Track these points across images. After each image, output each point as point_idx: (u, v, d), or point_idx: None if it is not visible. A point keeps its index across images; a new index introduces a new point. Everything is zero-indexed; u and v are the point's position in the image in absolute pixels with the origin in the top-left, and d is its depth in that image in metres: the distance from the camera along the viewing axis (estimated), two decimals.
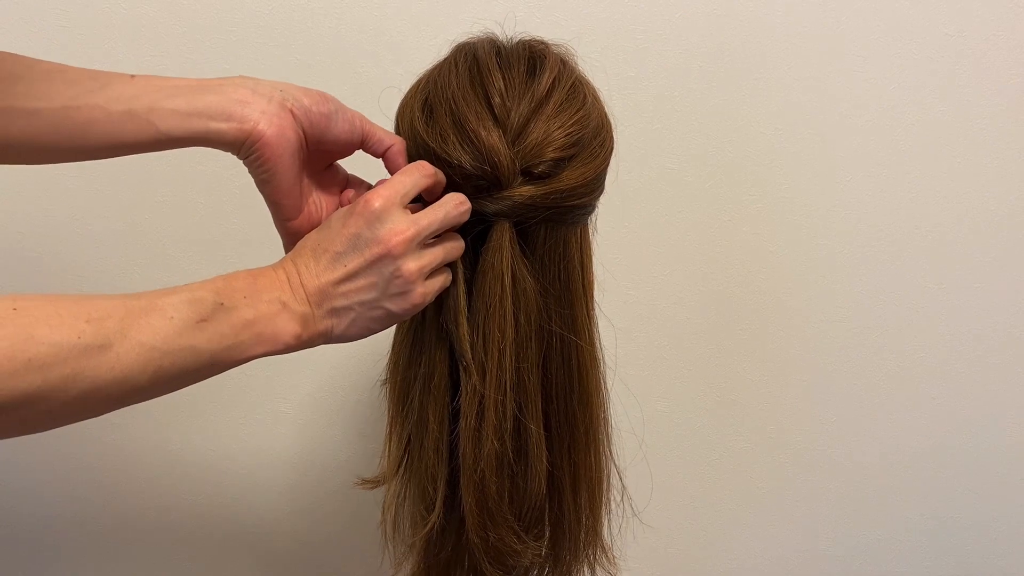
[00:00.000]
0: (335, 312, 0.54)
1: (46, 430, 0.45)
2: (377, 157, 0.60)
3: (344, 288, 0.54)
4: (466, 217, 0.56)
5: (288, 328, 0.52)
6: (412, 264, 0.54)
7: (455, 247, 0.57)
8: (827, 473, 1.05)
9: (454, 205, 0.56)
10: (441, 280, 0.57)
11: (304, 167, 0.58)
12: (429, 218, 0.55)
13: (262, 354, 0.52)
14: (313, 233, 0.56)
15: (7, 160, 0.58)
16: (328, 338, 0.55)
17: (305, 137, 0.57)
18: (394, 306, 0.55)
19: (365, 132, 0.59)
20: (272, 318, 0.51)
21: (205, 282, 0.51)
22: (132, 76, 0.56)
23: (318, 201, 0.60)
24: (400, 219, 0.54)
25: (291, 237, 0.59)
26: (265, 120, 0.54)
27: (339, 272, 0.53)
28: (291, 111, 0.55)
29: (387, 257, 0.53)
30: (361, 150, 0.60)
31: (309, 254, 0.54)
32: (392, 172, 0.59)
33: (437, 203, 0.56)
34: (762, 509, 1.06)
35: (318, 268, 0.54)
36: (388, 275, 0.54)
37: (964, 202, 0.98)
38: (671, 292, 0.98)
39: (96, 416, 0.47)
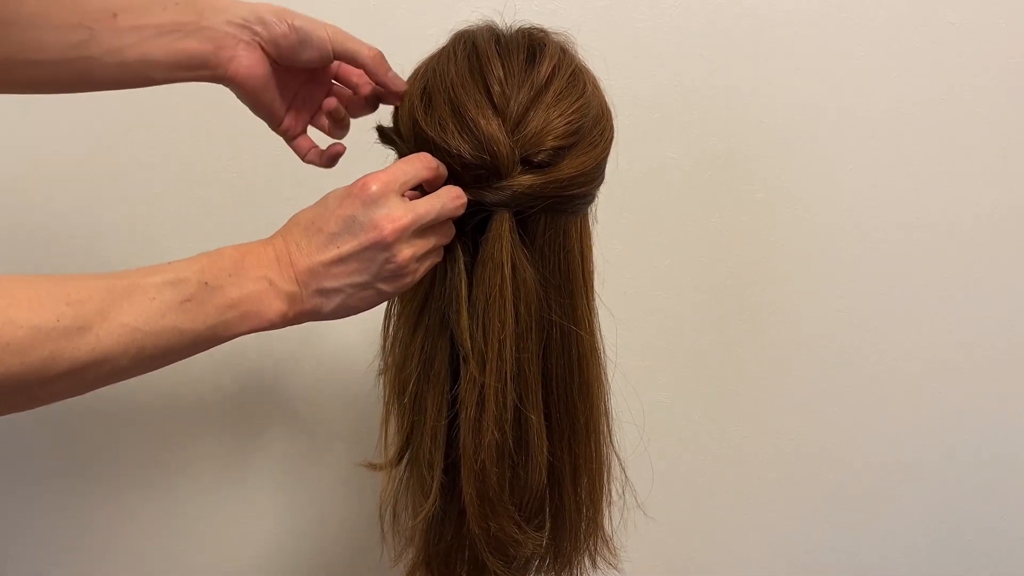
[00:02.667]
0: (324, 292, 0.54)
1: (26, 409, 0.46)
2: (359, 69, 0.62)
3: (336, 270, 0.54)
4: (461, 211, 0.56)
5: (274, 306, 0.52)
6: (406, 251, 0.54)
7: (447, 232, 0.57)
8: (828, 464, 1.05)
9: (451, 198, 0.56)
10: (431, 259, 0.57)
11: (281, 85, 0.62)
12: (426, 207, 0.54)
13: (247, 331, 0.52)
14: (307, 209, 0.56)
15: (12, 91, 0.62)
16: (315, 317, 0.55)
17: (277, 63, 0.61)
18: (385, 287, 0.55)
19: (338, 51, 0.61)
20: (258, 297, 0.51)
21: (190, 260, 0.50)
22: (114, 16, 0.58)
23: (302, 105, 0.65)
24: (397, 205, 0.54)
25: (286, 137, 0.65)
26: (236, 62, 0.60)
27: (331, 253, 0.53)
28: (260, 47, 0.60)
29: (381, 243, 0.53)
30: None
31: (301, 232, 0.54)
32: (377, 81, 0.61)
33: (434, 193, 0.55)
34: (763, 500, 1.06)
35: (310, 247, 0.53)
36: (381, 260, 0.54)
37: (967, 197, 0.98)
38: (671, 282, 0.98)
39: (79, 395, 0.47)
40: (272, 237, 0.55)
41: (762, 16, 0.91)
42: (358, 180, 0.54)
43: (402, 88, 0.61)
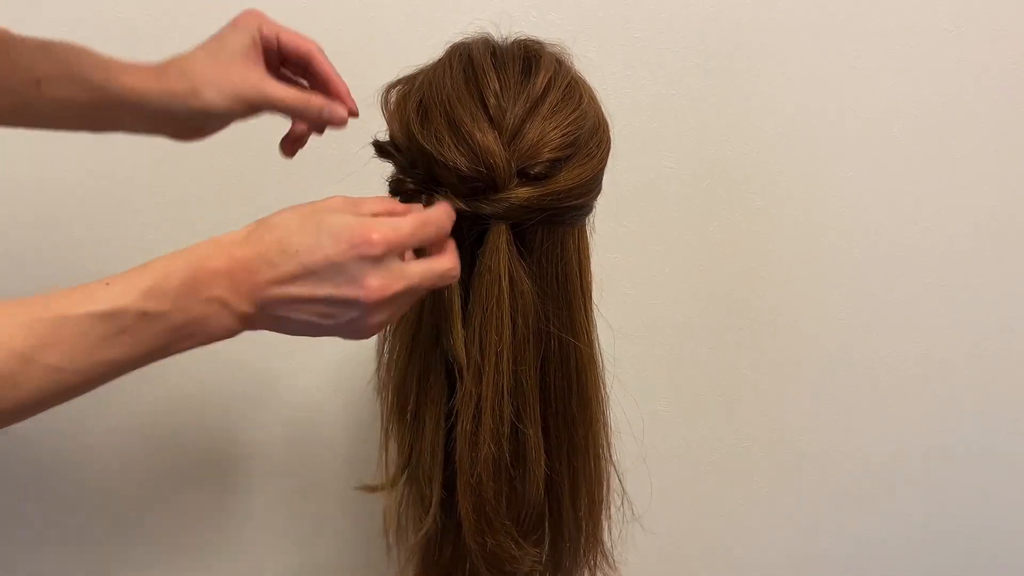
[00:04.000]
0: (280, 320, 0.49)
1: None
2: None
3: (302, 307, 0.49)
4: (446, 283, 0.53)
5: (223, 325, 0.48)
6: (379, 317, 0.50)
7: (418, 299, 0.54)
8: (829, 474, 1.05)
9: (453, 262, 0.53)
10: (392, 320, 0.53)
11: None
12: (419, 279, 0.50)
13: (187, 349, 0.48)
14: (288, 219, 0.49)
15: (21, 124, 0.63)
16: (259, 329, 0.51)
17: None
18: (341, 335, 0.51)
19: (275, 45, 0.61)
20: (206, 319, 0.47)
21: (132, 276, 0.45)
22: (106, 67, 0.59)
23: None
24: (391, 271, 0.49)
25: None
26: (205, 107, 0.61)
27: (303, 290, 0.48)
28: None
29: (358, 303, 0.48)
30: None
31: (275, 248, 0.48)
32: (319, 78, 0.62)
33: (430, 265, 0.52)
34: (764, 510, 1.05)
35: (282, 271, 0.48)
36: (351, 317, 0.49)
37: (967, 202, 0.98)
38: (670, 292, 0.97)
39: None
40: (235, 241, 0.48)
41: (759, 25, 0.91)
42: (360, 225, 0.49)
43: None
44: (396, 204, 0.54)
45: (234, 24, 0.61)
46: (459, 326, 0.56)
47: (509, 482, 0.58)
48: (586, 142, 0.57)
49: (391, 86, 0.61)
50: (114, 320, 0.44)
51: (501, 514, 0.58)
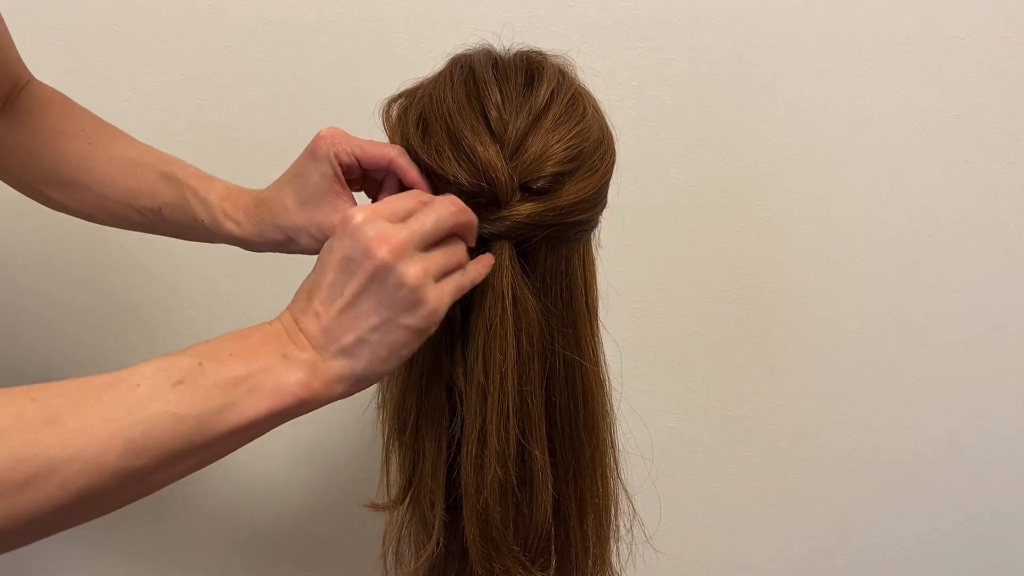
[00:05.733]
0: (346, 350, 0.47)
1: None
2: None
3: (347, 320, 0.47)
4: (463, 220, 0.52)
5: (291, 377, 0.45)
6: (414, 268, 0.48)
7: (457, 249, 0.52)
8: (843, 490, 1.03)
9: (444, 205, 0.51)
10: (455, 281, 0.51)
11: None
12: (420, 220, 0.49)
13: (267, 413, 0.45)
14: (307, 277, 0.51)
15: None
16: (349, 382, 0.48)
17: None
18: (411, 320, 0.48)
19: (356, 164, 0.57)
20: (267, 371, 0.45)
21: (185, 348, 0.45)
22: (207, 206, 0.62)
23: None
24: (386, 226, 0.48)
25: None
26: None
27: (337, 303, 0.47)
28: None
29: (382, 268, 0.47)
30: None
31: (304, 297, 0.49)
32: (405, 183, 0.56)
33: (429, 206, 0.51)
34: (776, 527, 1.03)
35: (315, 307, 0.48)
36: (391, 288, 0.47)
37: (977, 206, 0.96)
38: (678, 306, 0.96)
39: (64, 528, 0.40)
40: (277, 317, 0.50)
41: (767, 34, 0.90)
42: (339, 217, 0.50)
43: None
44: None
45: (313, 153, 0.57)
46: (459, 349, 0.55)
47: (516, 506, 0.57)
48: (590, 155, 0.55)
49: (392, 100, 0.60)
50: (169, 371, 0.43)
51: (509, 539, 0.57)
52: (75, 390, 0.40)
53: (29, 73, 0.70)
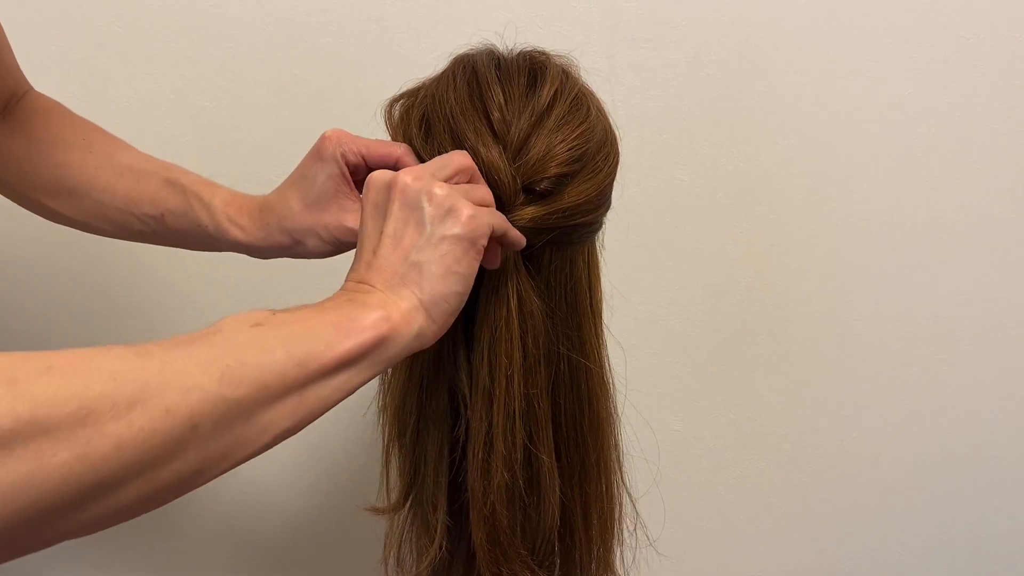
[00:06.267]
0: (404, 278, 0.47)
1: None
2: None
3: (393, 250, 0.48)
4: (469, 164, 0.51)
5: (368, 314, 0.45)
6: (437, 184, 0.48)
7: (482, 187, 0.52)
8: (850, 494, 1.02)
9: (454, 152, 0.52)
10: (487, 212, 0.50)
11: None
12: (434, 163, 0.51)
13: (357, 349, 0.44)
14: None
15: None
16: (422, 308, 0.47)
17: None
18: (453, 229, 0.48)
19: (363, 164, 0.57)
20: (342, 311, 0.45)
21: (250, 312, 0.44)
22: (211, 212, 0.62)
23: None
24: (402, 170, 0.50)
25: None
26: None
27: (381, 242, 0.48)
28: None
29: (407, 192, 0.48)
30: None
31: (355, 259, 0.50)
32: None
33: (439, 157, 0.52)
34: (780, 530, 1.03)
35: (365, 257, 0.49)
36: (421, 205, 0.48)
37: (982, 208, 0.95)
38: (683, 308, 0.95)
39: (198, 474, 0.39)
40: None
41: (772, 34, 0.89)
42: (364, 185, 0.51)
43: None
44: None
45: (318, 154, 0.57)
46: (463, 352, 0.54)
47: (523, 510, 0.56)
48: (593, 156, 0.55)
49: (394, 100, 0.60)
50: (245, 319, 0.43)
51: (516, 543, 0.56)
52: (155, 344, 0.39)
53: (28, 83, 0.69)
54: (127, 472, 0.36)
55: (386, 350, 0.45)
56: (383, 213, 0.49)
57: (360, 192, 0.58)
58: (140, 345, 0.38)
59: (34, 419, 0.33)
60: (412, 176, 0.48)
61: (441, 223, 0.48)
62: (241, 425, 0.40)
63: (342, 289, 0.49)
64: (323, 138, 0.57)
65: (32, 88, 0.69)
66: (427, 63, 0.61)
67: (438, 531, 0.58)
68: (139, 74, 0.87)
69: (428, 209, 0.48)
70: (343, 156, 0.56)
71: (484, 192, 0.51)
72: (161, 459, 0.37)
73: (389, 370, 0.61)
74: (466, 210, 0.48)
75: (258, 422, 0.40)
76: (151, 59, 0.86)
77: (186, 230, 0.63)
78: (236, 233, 0.61)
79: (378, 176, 0.50)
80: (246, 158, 0.88)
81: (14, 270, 0.90)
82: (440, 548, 0.58)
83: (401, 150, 0.56)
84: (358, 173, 0.57)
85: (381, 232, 0.48)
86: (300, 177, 0.58)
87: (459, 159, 0.51)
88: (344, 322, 0.44)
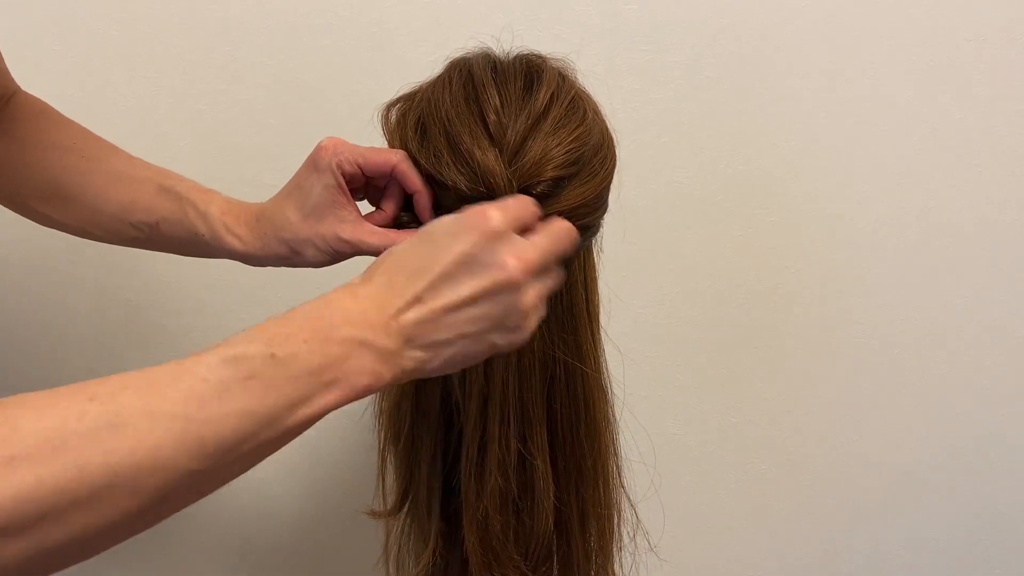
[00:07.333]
0: (432, 346, 0.45)
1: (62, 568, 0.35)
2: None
3: (451, 318, 0.45)
4: (575, 249, 0.51)
5: (365, 367, 0.42)
6: (532, 293, 0.46)
7: (559, 274, 0.51)
8: (851, 496, 1.01)
9: (567, 233, 0.50)
10: (543, 309, 0.49)
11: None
12: (547, 243, 0.48)
13: (335, 404, 0.42)
14: (405, 247, 0.47)
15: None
16: (417, 374, 0.46)
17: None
18: (502, 340, 0.47)
19: (359, 173, 0.56)
20: (344, 362, 0.42)
21: (254, 329, 0.41)
22: (206, 219, 0.61)
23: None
24: (521, 241, 0.46)
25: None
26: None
27: (448, 298, 0.44)
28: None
29: (508, 283, 0.45)
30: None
31: (403, 275, 0.45)
32: (407, 189, 0.56)
33: (548, 230, 0.49)
34: (781, 534, 1.02)
35: (418, 291, 0.44)
36: (506, 304, 0.46)
37: (984, 210, 0.95)
38: (681, 311, 0.95)
39: (131, 535, 0.37)
40: (356, 283, 0.46)
41: (771, 36, 0.89)
42: (472, 209, 0.47)
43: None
44: None
45: (314, 165, 0.56)
46: None
47: (517, 515, 0.56)
48: (590, 159, 0.54)
49: (391, 104, 0.60)
50: (239, 364, 0.39)
51: (509, 548, 0.56)
52: (138, 384, 0.37)
53: (16, 84, 0.68)
54: (79, 545, 0.35)
55: (359, 399, 0.44)
56: (474, 272, 0.45)
57: (355, 199, 0.58)
58: (112, 396, 0.36)
59: None
60: (524, 270, 0.45)
61: (501, 332, 0.46)
62: (199, 487, 0.39)
63: (364, 292, 0.45)
64: (319, 148, 0.56)
65: (20, 89, 0.68)
66: (426, 66, 0.60)
67: (432, 535, 0.58)
68: (138, 77, 0.87)
69: (507, 313, 0.46)
70: (339, 166, 0.55)
71: (561, 280, 0.51)
72: (114, 535, 0.36)
73: None
74: (526, 333, 0.47)
75: (219, 477, 0.40)
76: (150, 61, 0.86)
77: (182, 238, 0.62)
78: (233, 242, 0.60)
79: (495, 234, 0.46)
80: (245, 162, 0.88)
81: (12, 273, 0.90)
82: (434, 552, 0.58)
83: (397, 157, 0.55)
84: (354, 182, 0.57)
85: (457, 288, 0.45)
86: (296, 187, 0.58)
87: (570, 250, 0.50)
88: (342, 375, 0.42)
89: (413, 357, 0.45)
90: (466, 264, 0.45)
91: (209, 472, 0.38)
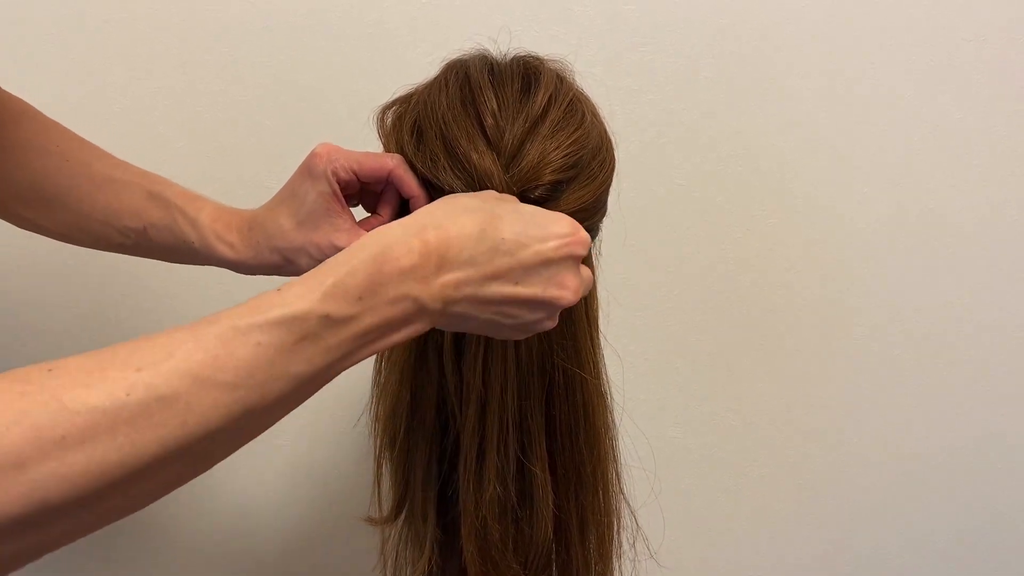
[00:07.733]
0: (461, 317, 0.45)
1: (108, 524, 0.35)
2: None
3: (495, 308, 0.45)
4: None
5: (410, 327, 0.43)
6: (553, 322, 0.49)
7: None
8: (851, 498, 1.01)
9: (591, 279, 0.52)
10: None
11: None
12: (588, 278, 0.50)
13: (369, 356, 0.43)
14: (482, 201, 0.47)
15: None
16: (446, 324, 0.46)
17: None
18: (501, 335, 0.48)
19: (355, 179, 0.55)
20: (390, 323, 0.42)
21: (309, 280, 0.40)
22: (196, 226, 0.59)
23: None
24: (580, 273, 0.48)
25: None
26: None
27: (506, 289, 0.45)
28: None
29: (555, 305, 0.47)
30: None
31: (476, 235, 0.44)
32: (404, 193, 0.55)
33: (587, 271, 0.51)
34: (783, 538, 1.02)
35: (486, 266, 0.44)
36: (540, 317, 0.47)
37: (984, 209, 0.94)
38: (681, 314, 0.94)
39: (175, 487, 0.37)
40: (420, 221, 0.44)
41: (771, 37, 0.88)
42: (570, 222, 0.47)
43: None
44: None
45: (309, 171, 0.55)
46: (453, 363, 0.54)
47: (515, 523, 0.56)
48: (589, 162, 0.54)
49: (387, 107, 0.59)
50: (293, 326, 0.38)
51: (508, 557, 0.56)
52: (186, 349, 0.36)
53: None
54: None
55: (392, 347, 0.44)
56: (538, 275, 0.45)
57: (350, 206, 0.57)
58: (162, 348, 0.36)
59: None
60: (571, 299, 0.47)
61: (510, 328, 0.47)
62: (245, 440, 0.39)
63: (421, 238, 0.43)
64: (313, 155, 0.55)
65: (0, 88, 0.66)
66: (427, 66, 0.60)
67: (427, 544, 0.57)
68: (137, 77, 0.86)
69: (529, 320, 0.47)
70: (334, 173, 0.54)
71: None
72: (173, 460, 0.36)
73: (381, 379, 0.60)
74: (542, 330, 0.49)
75: (259, 423, 0.40)
76: (149, 62, 0.86)
77: (171, 245, 0.61)
78: (224, 250, 0.59)
79: (575, 257, 0.47)
80: (245, 162, 0.88)
81: (15, 274, 0.90)
82: (430, 561, 0.57)
83: (393, 162, 0.55)
84: (350, 188, 0.56)
85: (516, 282, 0.45)
86: (290, 195, 0.56)
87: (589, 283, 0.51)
88: (385, 335, 0.42)
89: (442, 319, 0.45)
90: (543, 267, 0.46)
91: (249, 432, 0.39)
